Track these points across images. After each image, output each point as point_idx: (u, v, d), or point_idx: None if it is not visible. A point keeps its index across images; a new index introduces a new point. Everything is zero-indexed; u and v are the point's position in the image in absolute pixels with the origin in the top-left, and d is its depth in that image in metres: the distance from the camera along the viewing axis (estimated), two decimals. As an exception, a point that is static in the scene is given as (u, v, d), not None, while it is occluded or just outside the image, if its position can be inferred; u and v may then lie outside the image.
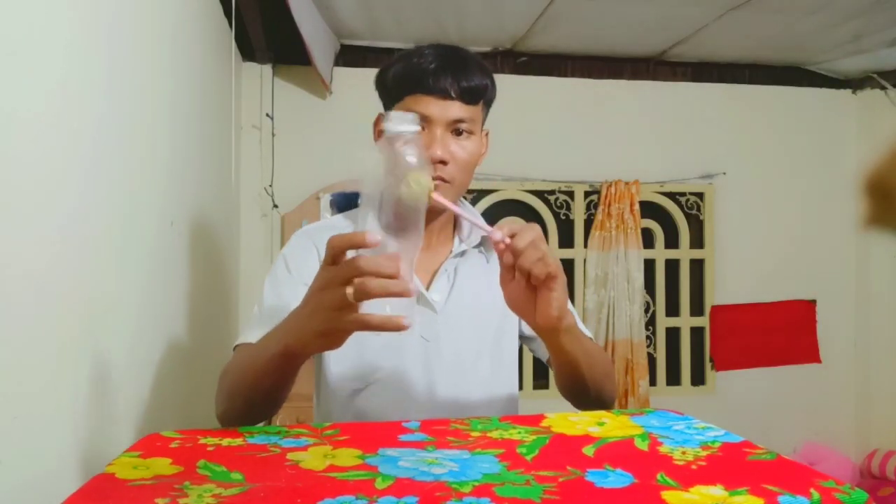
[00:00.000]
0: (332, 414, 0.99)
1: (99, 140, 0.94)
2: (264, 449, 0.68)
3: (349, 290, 0.64)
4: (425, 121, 0.95)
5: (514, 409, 1.08)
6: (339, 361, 0.99)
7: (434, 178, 0.94)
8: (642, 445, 0.68)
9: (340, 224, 1.05)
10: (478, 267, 1.06)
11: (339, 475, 0.59)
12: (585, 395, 0.94)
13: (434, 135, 0.95)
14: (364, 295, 0.64)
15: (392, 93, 0.98)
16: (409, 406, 0.97)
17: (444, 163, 0.95)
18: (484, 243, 1.07)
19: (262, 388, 0.82)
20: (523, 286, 0.78)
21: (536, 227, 0.78)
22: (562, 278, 0.78)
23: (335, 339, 0.70)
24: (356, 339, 0.93)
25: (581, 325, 1.03)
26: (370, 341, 0.98)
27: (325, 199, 2.75)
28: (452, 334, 1.00)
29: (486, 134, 1.06)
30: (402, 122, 0.69)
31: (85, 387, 0.89)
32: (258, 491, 0.55)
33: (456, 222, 1.08)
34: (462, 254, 1.05)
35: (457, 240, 1.06)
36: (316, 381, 1.05)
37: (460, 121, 0.96)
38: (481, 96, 0.98)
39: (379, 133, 1.04)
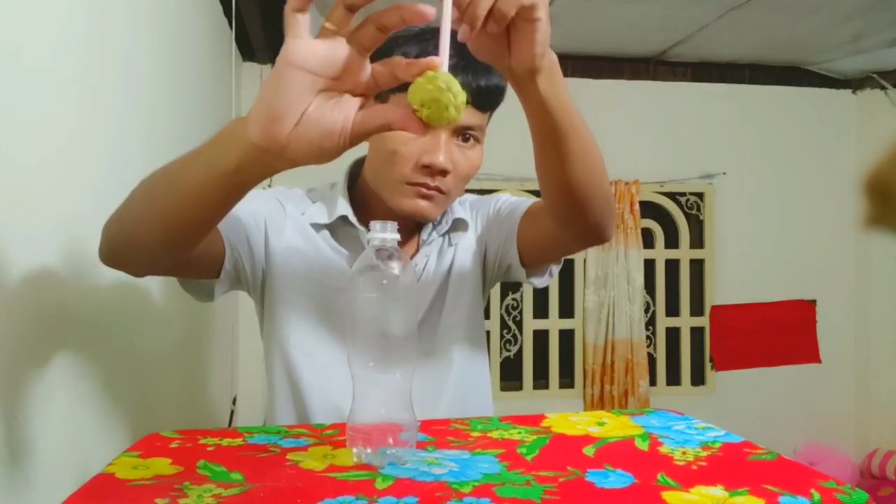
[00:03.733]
0: (277, 391, 0.96)
1: (98, 140, 0.94)
2: (264, 449, 0.67)
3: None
4: None
5: (485, 397, 1.04)
6: (300, 344, 0.95)
7: (431, 188, 0.88)
8: (642, 446, 0.68)
9: (303, 198, 0.99)
10: (442, 253, 1.01)
11: (339, 475, 0.59)
12: (573, 192, 0.77)
13: (438, 139, 0.86)
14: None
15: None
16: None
17: (444, 173, 0.88)
18: (455, 227, 1.01)
19: (189, 213, 0.65)
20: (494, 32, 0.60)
21: None
22: (544, 2, 0.60)
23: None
24: (313, 327, 0.91)
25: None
26: (328, 331, 0.95)
27: (325, 199, 2.75)
28: (419, 333, 0.96)
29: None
30: (383, 232, 0.63)
31: (85, 386, 0.89)
32: (258, 491, 0.55)
33: None
34: (430, 243, 0.99)
35: (428, 226, 1.00)
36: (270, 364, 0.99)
37: (469, 128, 0.89)
38: (495, 102, 0.90)
39: None
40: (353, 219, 0.95)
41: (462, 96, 0.55)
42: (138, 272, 0.76)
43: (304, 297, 0.95)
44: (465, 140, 0.90)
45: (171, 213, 0.66)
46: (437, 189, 0.88)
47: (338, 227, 0.97)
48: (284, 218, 0.96)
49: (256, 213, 0.93)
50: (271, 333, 0.97)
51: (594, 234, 0.85)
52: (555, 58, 0.69)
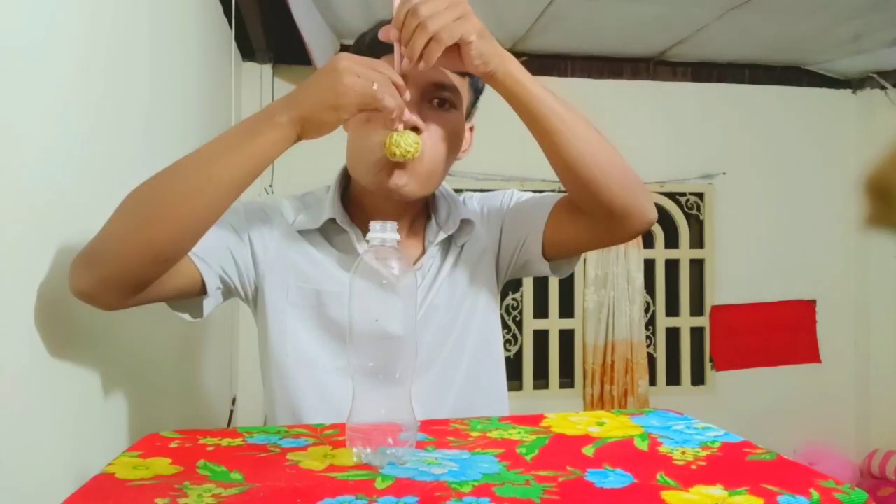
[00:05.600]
0: (290, 397, 0.94)
1: (97, 141, 0.94)
2: (264, 449, 0.68)
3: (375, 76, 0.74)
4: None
5: (497, 399, 1.02)
6: (298, 347, 0.94)
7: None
8: (642, 445, 0.68)
9: (294, 205, 0.99)
10: (449, 254, 0.99)
11: (338, 475, 0.59)
12: (578, 171, 0.83)
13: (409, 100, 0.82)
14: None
15: (367, 56, 0.85)
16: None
17: (416, 130, 0.84)
18: (462, 228, 0.98)
19: (226, 181, 0.75)
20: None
21: None
22: (474, 30, 0.77)
23: (338, 114, 0.74)
24: (324, 337, 0.92)
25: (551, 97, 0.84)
26: (324, 338, 0.94)
27: (325, 199, 2.75)
28: (427, 337, 0.93)
29: (471, 128, 0.97)
30: (383, 231, 0.63)
31: (85, 386, 0.89)
32: (258, 491, 0.55)
33: (429, 206, 0.99)
34: (436, 245, 0.97)
35: (434, 227, 0.98)
36: (267, 371, 0.98)
37: (441, 86, 0.86)
38: None
39: None
40: (341, 221, 0.93)
41: (415, 145, 0.82)
42: (113, 300, 0.77)
43: (298, 307, 0.94)
44: (441, 104, 0.88)
45: (182, 205, 0.73)
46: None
47: (329, 231, 0.96)
48: (271, 229, 0.95)
49: (239, 229, 0.92)
50: (267, 344, 0.96)
51: (626, 218, 0.86)
52: (507, 57, 0.81)
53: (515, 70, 0.81)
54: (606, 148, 0.85)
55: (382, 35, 0.80)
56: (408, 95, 0.78)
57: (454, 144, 0.91)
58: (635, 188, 0.86)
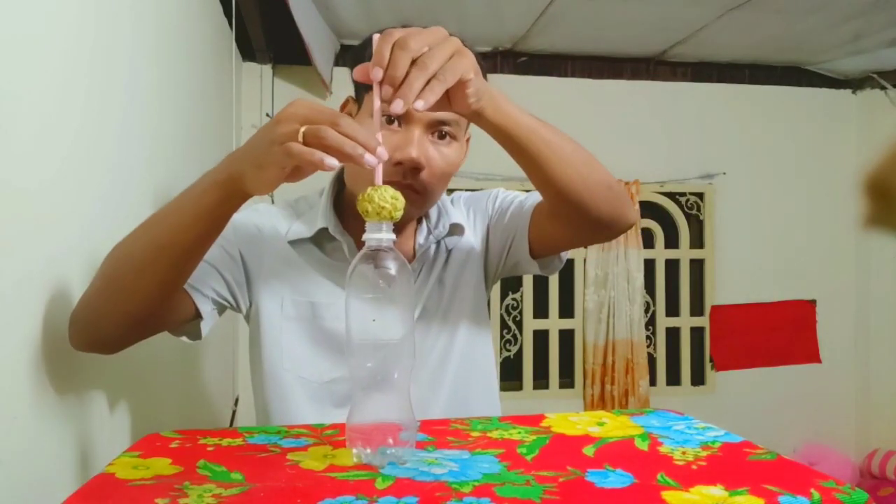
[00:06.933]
0: (287, 410, 0.94)
1: (97, 141, 0.94)
2: (264, 449, 0.68)
3: (304, 128, 0.61)
4: (402, 117, 0.84)
5: (489, 399, 1.02)
6: (294, 360, 0.94)
7: (404, 186, 0.84)
8: (642, 445, 0.68)
9: (286, 214, 0.98)
10: (438, 258, 0.99)
11: (339, 475, 0.59)
12: (567, 195, 0.81)
13: (411, 135, 0.84)
14: (316, 139, 0.60)
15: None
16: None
17: (418, 169, 0.85)
18: (452, 232, 0.98)
19: (176, 246, 0.72)
20: None
21: (403, 35, 0.65)
22: (471, 67, 0.67)
23: (268, 173, 0.64)
24: (317, 346, 0.91)
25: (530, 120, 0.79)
26: (320, 351, 0.94)
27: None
28: (417, 339, 0.92)
29: (468, 140, 0.96)
30: (378, 232, 0.62)
31: (85, 386, 0.89)
32: (258, 491, 0.55)
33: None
34: (426, 249, 0.97)
35: (424, 231, 0.97)
36: (259, 380, 0.98)
37: (443, 123, 0.86)
38: None
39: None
40: (333, 231, 0.93)
41: (399, 203, 0.62)
42: (113, 348, 0.80)
43: (294, 320, 0.94)
44: (441, 137, 0.87)
45: (165, 249, 0.72)
46: (412, 188, 0.86)
47: (322, 239, 0.95)
48: (263, 244, 0.95)
49: (230, 249, 0.92)
50: (261, 357, 0.96)
51: (610, 226, 0.86)
52: (494, 91, 0.74)
53: (504, 104, 0.75)
54: (592, 165, 0.82)
55: (359, 74, 0.66)
56: (384, 154, 0.62)
57: (451, 173, 0.91)
58: (619, 200, 0.86)
